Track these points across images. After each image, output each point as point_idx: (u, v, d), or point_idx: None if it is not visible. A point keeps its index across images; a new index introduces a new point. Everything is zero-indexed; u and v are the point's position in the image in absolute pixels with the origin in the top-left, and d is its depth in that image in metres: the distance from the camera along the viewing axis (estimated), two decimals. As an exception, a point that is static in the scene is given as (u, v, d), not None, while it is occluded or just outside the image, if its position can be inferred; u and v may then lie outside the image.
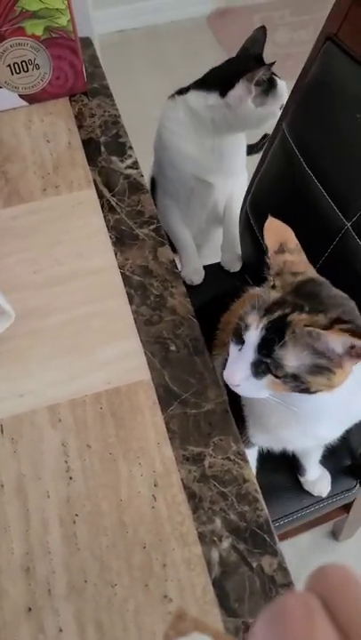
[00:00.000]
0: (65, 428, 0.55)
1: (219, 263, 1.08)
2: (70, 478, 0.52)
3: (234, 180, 0.98)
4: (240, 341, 0.52)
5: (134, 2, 2.50)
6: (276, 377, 0.50)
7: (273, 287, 0.52)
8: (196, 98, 0.89)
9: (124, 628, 0.45)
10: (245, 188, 1.00)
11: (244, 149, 0.96)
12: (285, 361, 0.48)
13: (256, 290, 0.73)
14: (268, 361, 0.49)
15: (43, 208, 0.71)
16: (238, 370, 0.52)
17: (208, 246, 1.11)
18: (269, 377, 0.51)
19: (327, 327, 0.47)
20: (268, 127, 0.89)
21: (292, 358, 0.48)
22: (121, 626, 0.45)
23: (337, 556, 1.25)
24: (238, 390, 0.53)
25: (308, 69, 0.76)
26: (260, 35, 0.85)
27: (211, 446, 0.53)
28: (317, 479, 0.83)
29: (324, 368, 0.48)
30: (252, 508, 0.50)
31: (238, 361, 0.52)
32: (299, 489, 0.84)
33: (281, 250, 0.54)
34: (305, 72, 0.77)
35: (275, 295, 0.52)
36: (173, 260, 0.66)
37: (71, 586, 0.47)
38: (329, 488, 0.83)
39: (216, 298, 0.83)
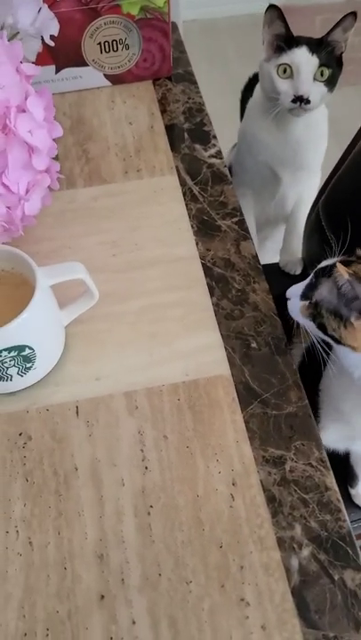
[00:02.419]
0: (142, 416, 0.53)
1: (277, 264, 1.07)
2: (146, 468, 0.51)
3: (305, 179, 0.96)
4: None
5: (195, -6, 2.47)
6: (309, 300, 0.54)
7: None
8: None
9: (198, 627, 0.43)
10: (316, 193, 0.98)
11: (322, 145, 0.93)
12: (319, 287, 0.53)
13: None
14: (313, 281, 0.54)
15: (124, 191, 0.70)
16: (298, 286, 0.57)
17: (272, 240, 1.09)
18: (305, 303, 0.55)
19: None
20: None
21: (324, 289, 0.53)
22: (196, 625, 0.44)
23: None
24: (288, 304, 0.58)
25: None
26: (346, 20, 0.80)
27: (292, 450, 0.51)
28: (369, 493, 0.81)
29: (340, 314, 0.51)
30: (333, 518, 0.48)
31: (304, 281, 0.57)
32: (348, 502, 0.82)
33: None
34: None
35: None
36: (256, 255, 0.64)
37: (145, 578, 0.45)
38: (380, 504, 0.81)
39: (280, 297, 0.81)
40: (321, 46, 0.79)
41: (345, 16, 0.79)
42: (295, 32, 0.82)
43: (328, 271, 0.53)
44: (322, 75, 0.80)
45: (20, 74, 0.52)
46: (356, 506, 0.82)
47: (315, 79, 0.80)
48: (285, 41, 0.80)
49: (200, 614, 0.44)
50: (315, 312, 0.54)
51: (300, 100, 0.80)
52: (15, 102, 0.50)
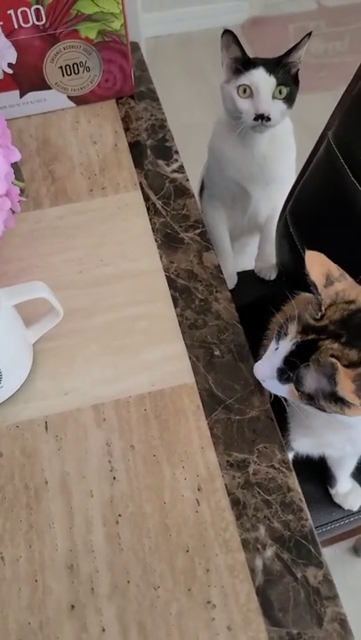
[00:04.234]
0: (109, 427, 0.55)
1: (253, 270, 1.08)
2: (114, 478, 0.52)
3: (277, 192, 0.98)
4: (278, 342, 0.53)
5: (170, 9, 2.51)
6: (296, 389, 0.51)
7: (320, 318, 0.51)
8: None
9: (167, 631, 0.45)
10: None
11: (290, 157, 0.95)
12: (304, 381, 0.49)
13: (307, 295, 0.73)
14: (291, 374, 0.50)
15: (89, 209, 0.72)
16: (266, 368, 0.54)
17: (253, 245, 1.10)
18: (291, 385, 0.51)
19: (355, 364, 0.47)
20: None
21: (311, 381, 0.49)
22: (164, 629, 0.45)
23: (357, 572, 1.23)
24: (263, 384, 0.55)
25: (358, 77, 0.76)
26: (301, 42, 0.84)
27: (255, 453, 0.53)
28: (349, 492, 0.82)
29: (339, 399, 0.48)
30: (296, 518, 0.49)
31: (270, 359, 0.53)
32: (329, 501, 0.83)
33: (330, 282, 0.52)
34: (355, 80, 0.76)
35: (319, 322, 0.51)
36: (218, 265, 0.66)
37: (114, 586, 0.47)
38: (360, 502, 0.82)
39: (256, 302, 0.83)
40: (278, 66, 0.83)
41: (302, 39, 0.82)
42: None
43: (300, 357, 0.50)
44: (280, 93, 0.83)
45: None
46: (338, 505, 0.83)
47: (274, 97, 0.83)
48: (243, 63, 0.83)
49: (168, 619, 0.45)
50: (311, 402, 0.51)
51: (262, 118, 0.83)
52: (-29, 131, 0.52)
